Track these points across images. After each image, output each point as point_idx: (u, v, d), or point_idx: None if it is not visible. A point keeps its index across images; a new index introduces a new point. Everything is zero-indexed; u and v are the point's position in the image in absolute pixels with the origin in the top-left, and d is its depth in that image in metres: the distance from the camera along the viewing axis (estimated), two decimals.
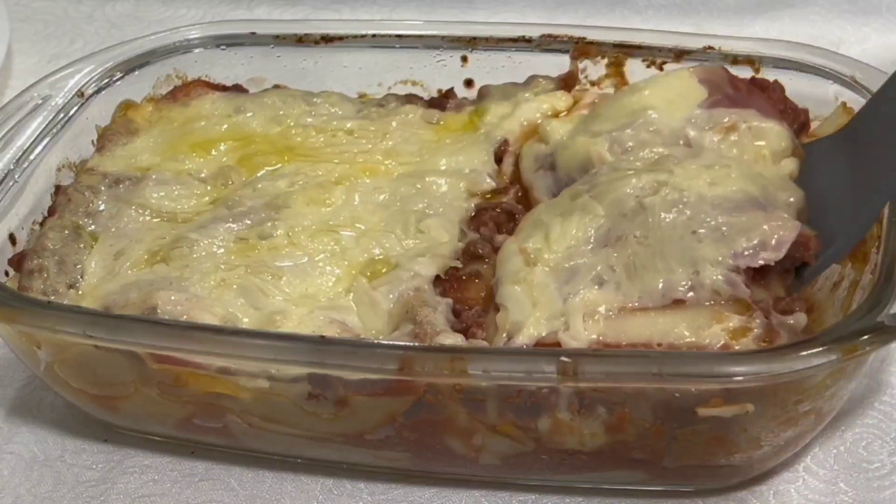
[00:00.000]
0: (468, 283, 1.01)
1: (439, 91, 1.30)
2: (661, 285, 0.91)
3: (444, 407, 0.90)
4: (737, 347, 0.87)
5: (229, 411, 0.96)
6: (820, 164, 1.03)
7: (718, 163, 1.00)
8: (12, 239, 1.09)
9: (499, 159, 1.15)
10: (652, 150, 1.03)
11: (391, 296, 0.98)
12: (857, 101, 1.10)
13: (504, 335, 0.94)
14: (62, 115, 1.17)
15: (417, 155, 1.15)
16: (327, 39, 1.30)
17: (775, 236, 0.92)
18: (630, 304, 0.91)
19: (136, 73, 1.26)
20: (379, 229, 1.06)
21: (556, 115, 1.18)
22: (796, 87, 1.14)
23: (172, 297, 0.96)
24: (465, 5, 1.69)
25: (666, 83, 1.10)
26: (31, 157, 1.12)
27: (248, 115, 1.21)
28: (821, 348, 0.81)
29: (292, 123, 1.20)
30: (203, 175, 1.14)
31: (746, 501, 0.97)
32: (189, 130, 1.19)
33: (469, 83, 1.29)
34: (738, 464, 0.93)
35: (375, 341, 0.95)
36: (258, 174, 1.13)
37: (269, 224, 1.05)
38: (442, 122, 1.20)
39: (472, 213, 1.09)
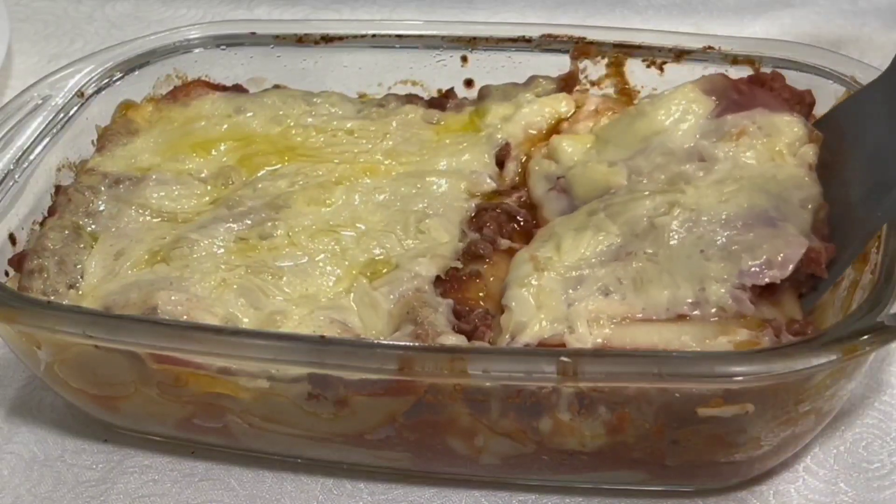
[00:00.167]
0: (468, 284, 1.01)
1: (439, 91, 1.30)
2: (665, 299, 0.92)
3: (444, 407, 0.90)
4: None
5: (229, 411, 0.96)
6: (840, 139, 1.02)
7: (731, 176, 1.01)
8: (12, 239, 1.09)
9: (500, 161, 1.15)
10: (667, 170, 1.04)
11: (392, 296, 0.98)
12: None
13: (507, 336, 0.94)
14: (62, 115, 1.17)
15: (418, 155, 1.15)
16: (327, 39, 1.30)
17: (781, 255, 0.93)
18: (634, 316, 0.92)
19: (136, 73, 1.26)
20: (379, 229, 1.06)
21: (559, 121, 1.19)
22: (796, 87, 1.14)
23: (173, 298, 0.96)
24: (465, 5, 1.70)
25: (672, 101, 1.10)
26: (31, 157, 1.12)
27: (249, 115, 1.21)
28: (821, 348, 0.81)
29: (292, 123, 1.20)
30: (203, 175, 1.14)
31: (746, 501, 0.97)
32: (189, 130, 1.19)
33: (469, 83, 1.29)
34: (738, 464, 0.93)
35: (375, 341, 0.95)
36: (258, 174, 1.14)
37: (270, 224, 1.05)
38: (442, 123, 1.20)
39: (473, 214, 1.09)
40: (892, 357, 1.09)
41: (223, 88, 1.28)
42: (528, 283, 0.97)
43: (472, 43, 1.28)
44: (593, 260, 0.98)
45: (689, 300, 0.92)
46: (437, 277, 1.01)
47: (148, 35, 1.29)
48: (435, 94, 1.29)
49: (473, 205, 1.10)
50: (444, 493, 0.99)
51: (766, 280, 0.92)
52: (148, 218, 1.09)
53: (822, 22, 1.60)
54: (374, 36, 1.29)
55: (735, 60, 1.20)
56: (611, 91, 1.25)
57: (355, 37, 1.30)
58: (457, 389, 0.88)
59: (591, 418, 0.88)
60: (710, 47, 1.21)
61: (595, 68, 1.25)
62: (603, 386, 0.86)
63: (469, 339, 0.95)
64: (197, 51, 1.30)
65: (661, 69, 1.23)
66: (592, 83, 1.26)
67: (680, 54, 1.22)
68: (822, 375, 0.85)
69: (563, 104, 1.20)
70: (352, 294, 0.99)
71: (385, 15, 1.68)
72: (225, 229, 1.06)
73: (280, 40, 1.30)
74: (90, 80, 1.21)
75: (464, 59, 1.29)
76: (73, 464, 1.04)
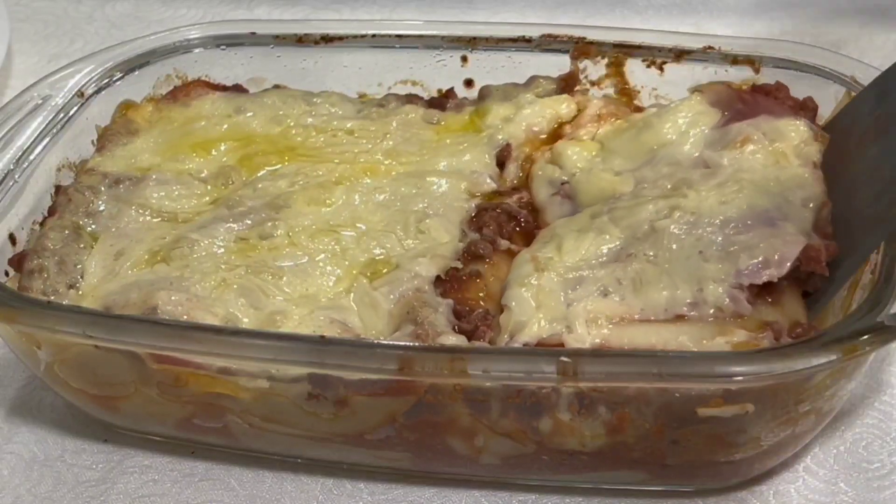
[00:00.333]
0: (468, 284, 1.01)
1: (439, 91, 1.30)
2: (664, 300, 0.93)
3: (444, 407, 0.90)
4: None
5: (229, 411, 0.96)
6: (846, 143, 1.02)
7: (733, 178, 1.01)
8: (12, 239, 1.09)
9: (500, 162, 1.15)
10: (672, 178, 1.05)
11: (392, 296, 0.98)
12: None
13: (507, 335, 0.94)
14: (62, 115, 1.17)
15: (418, 155, 1.15)
16: (327, 39, 1.30)
17: (778, 253, 0.93)
18: (632, 316, 0.93)
19: (136, 73, 1.26)
20: (379, 229, 1.06)
21: (560, 123, 1.19)
22: (796, 87, 1.14)
23: (173, 297, 0.96)
24: (465, 5, 1.70)
25: (679, 114, 1.11)
26: (31, 157, 1.12)
27: (249, 115, 1.21)
28: (821, 348, 0.81)
29: (292, 123, 1.20)
30: (203, 175, 1.14)
31: (746, 501, 0.97)
32: (189, 130, 1.19)
33: (469, 83, 1.29)
34: (738, 464, 0.93)
35: (375, 341, 0.95)
36: (258, 174, 1.14)
37: (270, 224, 1.05)
38: (442, 123, 1.20)
39: (473, 214, 1.08)
40: (892, 357, 1.09)
41: (223, 88, 1.28)
42: (527, 283, 0.97)
43: (472, 43, 1.28)
44: (593, 261, 0.98)
45: (688, 301, 0.92)
46: (438, 277, 1.01)
47: (148, 35, 1.29)
48: (435, 94, 1.29)
49: (474, 205, 1.10)
50: (444, 493, 0.99)
51: (764, 279, 0.92)
52: (148, 218, 1.09)
53: (822, 22, 1.60)
54: (374, 36, 1.29)
55: (735, 60, 1.20)
56: (611, 91, 1.25)
57: (355, 37, 1.30)
58: (457, 389, 0.88)
59: (591, 418, 0.88)
60: (710, 47, 1.21)
61: (595, 68, 1.25)
62: (603, 386, 0.86)
63: (469, 339, 0.95)
64: (197, 51, 1.30)
65: (661, 69, 1.23)
66: (592, 83, 1.26)
67: (680, 54, 1.23)
68: (822, 375, 0.85)
69: (563, 105, 1.20)
70: (352, 294, 0.99)
71: (385, 15, 1.68)
72: (225, 229, 1.06)
73: (280, 40, 1.30)
74: (90, 80, 1.21)
75: (464, 59, 1.29)
76: (73, 464, 1.04)
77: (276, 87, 1.29)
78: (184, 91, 1.26)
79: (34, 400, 1.10)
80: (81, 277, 1.03)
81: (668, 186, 1.04)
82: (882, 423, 1.03)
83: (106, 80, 1.23)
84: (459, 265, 1.02)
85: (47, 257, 1.04)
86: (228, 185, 1.13)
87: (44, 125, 1.15)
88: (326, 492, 1.00)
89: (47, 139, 1.14)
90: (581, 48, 1.25)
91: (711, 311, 0.91)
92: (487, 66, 1.28)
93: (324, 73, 1.30)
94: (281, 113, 1.22)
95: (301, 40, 1.30)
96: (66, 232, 1.07)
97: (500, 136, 1.16)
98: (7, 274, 1.06)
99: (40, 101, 1.16)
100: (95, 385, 1.00)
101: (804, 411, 0.88)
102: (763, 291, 0.93)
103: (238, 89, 1.28)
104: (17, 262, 1.06)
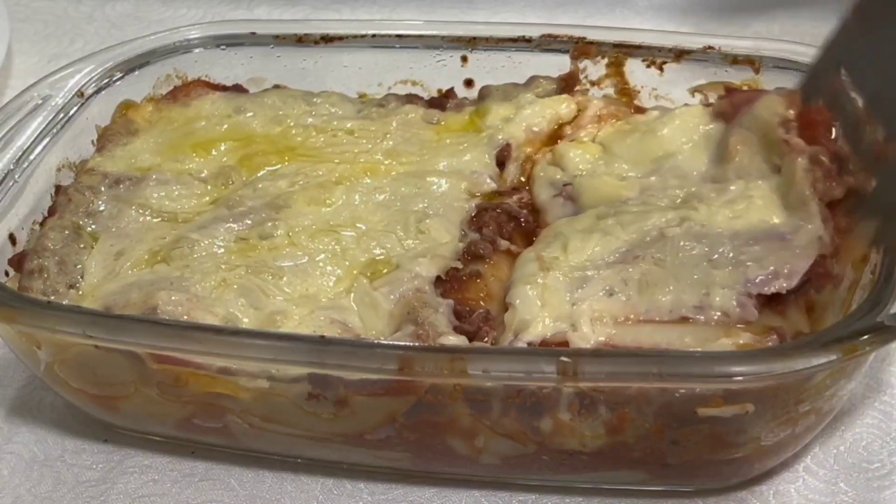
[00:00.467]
0: (469, 284, 1.01)
1: (439, 91, 1.30)
2: (669, 302, 0.93)
3: (444, 407, 0.90)
4: None
5: (229, 411, 0.96)
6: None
7: (742, 195, 1.01)
8: (12, 239, 1.09)
9: (500, 162, 1.15)
10: (681, 190, 1.05)
11: (392, 296, 0.98)
12: None
13: (511, 334, 0.94)
14: (62, 115, 1.17)
15: (418, 155, 1.15)
16: (327, 39, 1.30)
17: (788, 266, 0.93)
18: (637, 317, 0.93)
19: (136, 73, 1.26)
20: (379, 229, 1.06)
21: (560, 124, 1.19)
22: (797, 86, 1.14)
23: (173, 298, 0.96)
24: (465, 5, 1.70)
25: (683, 123, 1.11)
26: (31, 157, 1.12)
27: (249, 115, 1.21)
28: (821, 348, 0.81)
29: (292, 123, 1.20)
30: (203, 175, 1.14)
31: (746, 501, 0.97)
32: (189, 131, 1.19)
33: (469, 83, 1.29)
34: (738, 464, 0.93)
35: (375, 341, 0.95)
36: (258, 174, 1.14)
37: (270, 224, 1.05)
38: (442, 123, 1.20)
39: (473, 214, 1.08)
40: (892, 357, 1.09)
41: (223, 88, 1.28)
42: (533, 282, 0.97)
43: (472, 43, 1.28)
44: (599, 261, 0.98)
45: (694, 304, 0.92)
46: (438, 278, 1.01)
47: (148, 35, 1.29)
48: (435, 94, 1.29)
49: (474, 205, 1.10)
50: (444, 493, 0.99)
51: (772, 289, 0.92)
52: (148, 218, 1.09)
53: (822, 22, 1.60)
54: (374, 36, 1.29)
55: (735, 60, 1.20)
56: (611, 91, 1.25)
57: (355, 37, 1.30)
58: (457, 389, 0.88)
59: (592, 418, 0.88)
60: (710, 47, 1.21)
61: (595, 68, 1.25)
62: (603, 386, 0.86)
63: (472, 341, 0.95)
64: (197, 51, 1.30)
65: (661, 69, 1.23)
66: (592, 83, 1.26)
67: (680, 54, 1.23)
68: (822, 375, 0.85)
69: (563, 105, 1.20)
70: (352, 294, 0.99)
71: (385, 15, 1.68)
72: (225, 229, 1.06)
73: (280, 40, 1.30)
74: (90, 80, 1.21)
75: (464, 59, 1.29)
76: (73, 464, 1.04)
77: (276, 87, 1.29)
78: (184, 91, 1.26)
79: (34, 400, 1.10)
80: (81, 277, 1.03)
81: (678, 199, 1.04)
82: (882, 423, 1.03)
83: (106, 80, 1.23)
84: (459, 265, 1.02)
85: (47, 257, 1.04)
86: (228, 185, 1.13)
87: (44, 125, 1.15)
88: (326, 492, 1.00)
89: (47, 139, 1.14)
90: (581, 48, 1.25)
91: (717, 315, 0.92)
92: (487, 66, 1.28)
93: (324, 73, 1.30)
94: (281, 113, 1.22)
95: (301, 40, 1.30)
96: (67, 232, 1.07)
97: (500, 137, 1.16)
98: (7, 274, 1.06)
99: (40, 101, 1.16)
100: (95, 385, 1.00)
101: (804, 411, 0.88)
102: (769, 302, 0.93)
103: (238, 89, 1.28)
104: (17, 262, 1.06)
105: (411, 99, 1.25)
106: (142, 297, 0.97)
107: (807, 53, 1.16)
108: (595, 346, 0.91)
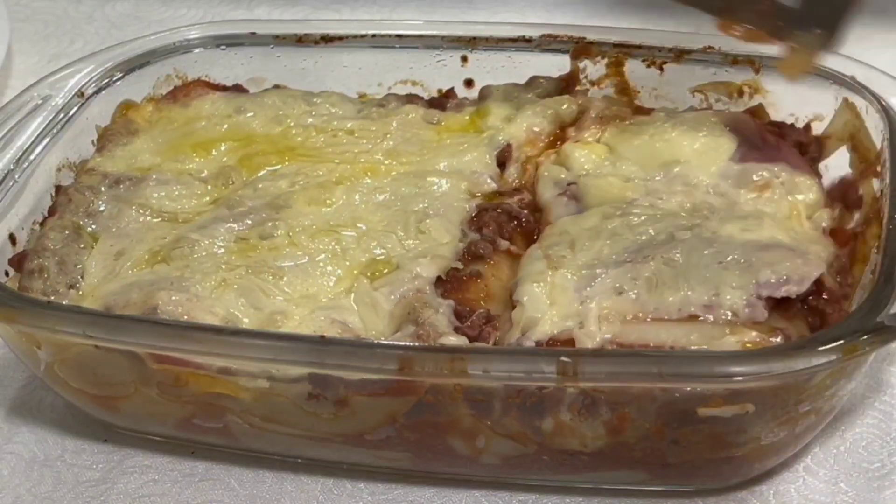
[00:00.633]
0: (469, 284, 1.01)
1: (439, 91, 1.30)
2: (678, 301, 0.92)
3: (444, 407, 0.90)
4: None
5: (229, 411, 0.96)
6: None
7: (753, 215, 1.01)
8: (12, 239, 1.09)
9: (501, 162, 1.15)
10: (690, 198, 1.05)
11: (392, 297, 0.98)
12: (856, 101, 1.10)
13: (519, 331, 0.94)
14: (62, 115, 1.17)
15: (418, 155, 1.15)
16: (327, 39, 1.30)
17: (800, 271, 0.93)
18: (645, 315, 0.93)
19: (136, 73, 1.26)
20: (380, 229, 1.06)
21: (562, 125, 1.18)
22: (796, 87, 1.14)
23: (173, 298, 0.96)
24: (465, 5, 1.69)
25: (693, 129, 1.10)
26: (31, 157, 1.12)
27: (249, 115, 1.21)
28: (821, 348, 0.81)
29: (293, 123, 1.20)
30: (204, 175, 1.14)
31: (746, 501, 0.97)
32: (189, 131, 1.19)
33: (469, 83, 1.29)
34: (738, 464, 0.93)
35: (375, 341, 0.95)
36: (259, 174, 1.13)
37: (270, 224, 1.05)
38: (442, 123, 1.20)
39: (474, 214, 1.08)
40: (892, 357, 1.09)
41: (223, 88, 1.28)
42: (541, 280, 0.97)
43: (472, 43, 1.28)
44: (608, 260, 0.98)
45: (703, 303, 0.92)
46: (438, 278, 1.01)
47: (148, 35, 1.29)
48: (435, 94, 1.29)
49: (474, 205, 1.09)
50: (444, 493, 0.99)
51: (783, 293, 0.92)
52: (148, 218, 1.09)
53: None
54: (374, 36, 1.29)
55: (735, 60, 1.20)
56: (611, 91, 1.25)
57: (355, 37, 1.29)
58: (457, 390, 0.88)
59: (592, 418, 0.88)
60: (710, 47, 1.21)
61: (595, 68, 1.25)
62: (603, 386, 0.86)
63: (474, 342, 0.95)
64: (197, 51, 1.30)
65: (661, 69, 1.23)
66: (592, 83, 1.26)
67: (680, 54, 1.22)
68: (823, 375, 0.85)
69: (564, 105, 1.20)
70: (352, 294, 0.99)
71: (385, 15, 1.68)
72: (225, 229, 1.06)
73: (280, 40, 1.30)
74: (90, 80, 1.21)
75: (464, 59, 1.29)
76: (73, 464, 1.04)
77: (276, 87, 1.29)
78: (184, 91, 1.26)
79: (34, 400, 1.10)
80: (81, 277, 1.03)
81: (687, 205, 1.04)
82: (882, 423, 1.03)
83: (106, 80, 1.23)
84: (460, 266, 1.02)
85: (47, 257, 1.04)
86: (228, 185, 1.13)
87: (44, 125, 1.15)
88: (326, 492, 1.00)
89: (47, 139, 1.14)
90: (581, 48, 1.24)
91: (726, 315, 0.91)
92: (487, 66, 1.28)
93: (324, 73, 1.30)
94: (281, 113, 1.22)
95: (301, 40, 1.30)
96: (67, 232, 1.07)
97: (500, 137, 1.16)
98: (7, 274, 1.07)
99: (40, 101, 1.16)
100: (95, 385, 1.00)
101: (804, 411, 0.88)
102: (778, 306, 0.93)
103: (238, 89, 1.28)
104: (17, 262, 1.06)
105: (411, 99, 1.25)
106: (142, 297, 0.97)
107: None
108: (601, 344, 0.91)
